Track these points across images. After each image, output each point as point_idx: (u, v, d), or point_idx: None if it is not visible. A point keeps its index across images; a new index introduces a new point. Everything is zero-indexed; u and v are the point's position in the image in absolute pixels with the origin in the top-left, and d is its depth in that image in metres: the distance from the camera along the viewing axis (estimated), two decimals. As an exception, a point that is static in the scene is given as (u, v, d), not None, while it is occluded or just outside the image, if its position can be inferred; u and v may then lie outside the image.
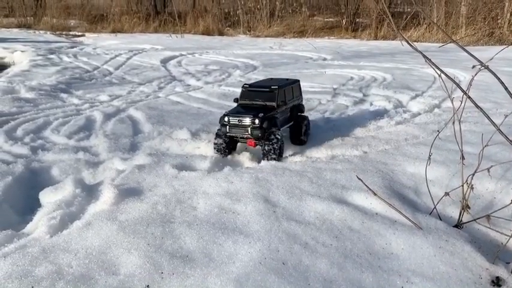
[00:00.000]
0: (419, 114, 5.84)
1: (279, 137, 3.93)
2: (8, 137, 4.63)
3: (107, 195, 3.09)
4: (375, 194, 2.99)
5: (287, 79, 4.58)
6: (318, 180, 3.43)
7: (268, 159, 3.93)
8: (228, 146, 4.07)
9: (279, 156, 3.99)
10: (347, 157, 4.05)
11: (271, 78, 4.57)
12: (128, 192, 3.21)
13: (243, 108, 4.12)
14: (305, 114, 4.75)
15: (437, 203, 3.01)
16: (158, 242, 2.53)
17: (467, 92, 2.69)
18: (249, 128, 3.86)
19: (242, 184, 3.32)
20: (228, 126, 3.94)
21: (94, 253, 2.43)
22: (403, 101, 6.76)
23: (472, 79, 2.74)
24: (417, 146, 4.28)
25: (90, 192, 3.33)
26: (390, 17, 3.58)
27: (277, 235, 2.60)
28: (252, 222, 2.76)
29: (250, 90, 4.22)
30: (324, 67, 10.62)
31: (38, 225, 2.79)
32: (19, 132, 4.89)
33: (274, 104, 4.07)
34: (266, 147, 3.90)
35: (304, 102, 6.67)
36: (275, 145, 3.90)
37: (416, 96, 7.11)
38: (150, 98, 7.11)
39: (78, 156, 4.17)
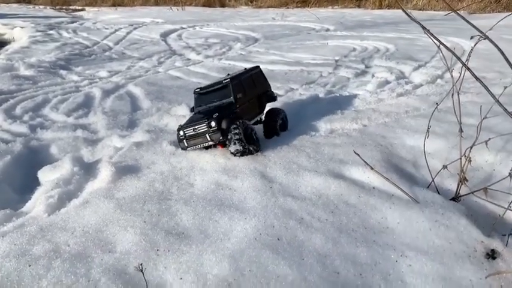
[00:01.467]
0: (422, 85, 5.73)
1: (237, 128, 3.35)
2: (7, 116, 4.63)
3: (105, 173, 3.10)
4: (372, 168, 2.98)
5: (245, 69, 4.10)
6: (315, 155, 3.41)
7: (241, 155, 3.40)
8: None
9: (249, 145, 3.41)
10: (346, 131, 4.01)
11: (228, 74, 3.97)
12: (125, 170, 3.22)
13: (197, 115, 3.70)
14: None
15: (435, 176, 2.99)
16: (154, 220, 2.54)
17: (466, 64, 2.62)
18: (207, 135, 3.37)
19: (239, 160, 3.31)
20: (185, 140, 3.46)
21: (91, 231, 2.45)
22: (406, 72, 6.64)
23: (472, 50, 2.67)
24: (417, 118, 4.22)
25: (89, 170, 3.35)
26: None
27: (273, 211, 2.61)
28: (249, 198, 2.76)
29: (203, 93, 3.80)
30: (326, 38, 10.43)
31: (36, 204, 2.82)
32: (18, 110, 4.89)
33: (231, 99, 3.62)
34: (231, 146, 3.37)
35: (305, 75, 6.63)
36: (237, 136, 3.33)
37: (419, 66, 6.96)
38: (149, 73, 7.05)
39: (76, 134, 4.17)
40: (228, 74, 3.85)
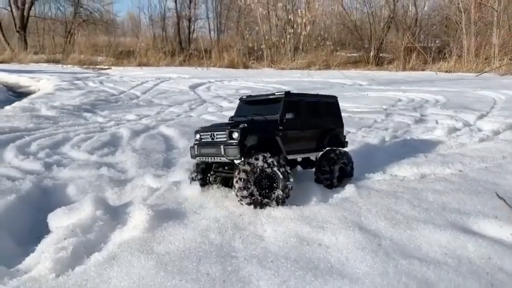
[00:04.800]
0: (499, 132, 4.93)
1: (268, 159, 2.45)
2: (19, 152, 3.90)
3: (139, 218, 2.26)
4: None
5: (317, 94, 3.25)
6: (420, 203, 2.53)
7: (244, 203, 2.46)
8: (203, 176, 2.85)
9: (261, 196, 2.46)
10: (441, 176, 3.17)
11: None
12: (165, 215, 2.37)
13: (225, 122, 2.95)
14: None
15: None
16: (219, 288, 1.65)
17: None
18: (222, 147, 2.49)
19: (319, 206, 2.45)
20: (196, 147, 2.68)
21: (121, 304, 1.56)
22: (470, 120, 5.90)
23: None
24: (524, 163, 3.36)
25: (115, 215, 2.51)
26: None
27: (400, 280, 1.69)
28: (353, 259, 1.86)
29: (248, 102, 3.00)
30: (363, 91, 9.86)
31: (41, 258, 1.95)
32: (33, 147, 4.15)
33: (276, 117, 2.70)
34: (235, 182, 2.45)
35: (356, 121, 5.86)
36: (243, 177, 2.41)
37: (482, 116, 6.26)
38: (181, 117, 6.43)
39: (100, 172, 3.39)
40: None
